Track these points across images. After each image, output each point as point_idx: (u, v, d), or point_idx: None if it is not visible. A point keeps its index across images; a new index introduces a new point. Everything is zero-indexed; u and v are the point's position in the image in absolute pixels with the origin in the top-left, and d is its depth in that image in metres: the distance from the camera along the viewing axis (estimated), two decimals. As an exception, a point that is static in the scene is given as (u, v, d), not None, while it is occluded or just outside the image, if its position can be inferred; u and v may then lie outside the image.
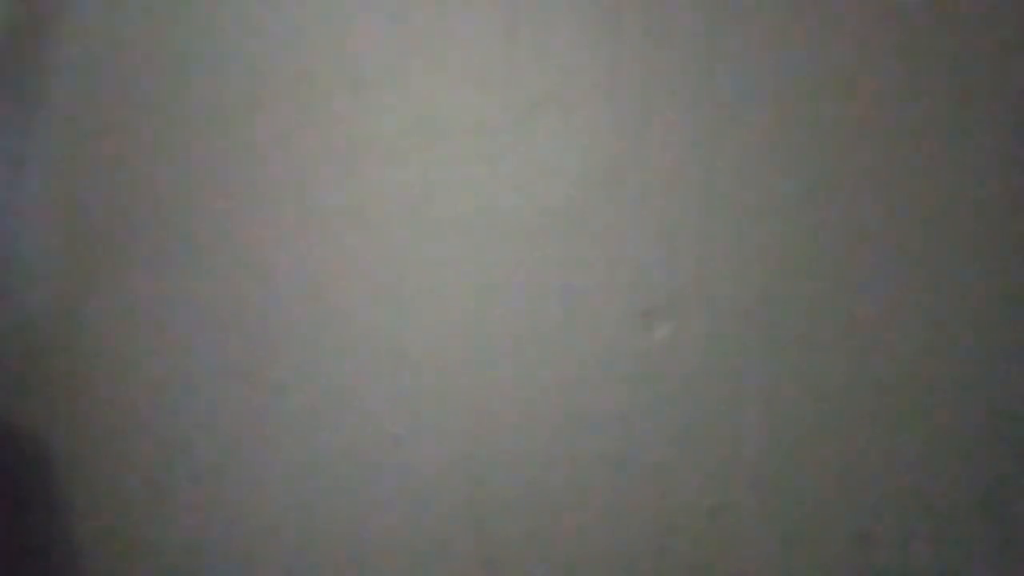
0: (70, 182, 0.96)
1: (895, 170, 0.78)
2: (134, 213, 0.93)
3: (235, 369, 0.87)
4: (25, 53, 1.00)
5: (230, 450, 0.86)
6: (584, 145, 0.83)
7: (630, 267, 0.81)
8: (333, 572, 0.83)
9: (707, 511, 0.76)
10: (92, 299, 0.92)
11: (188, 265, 0.89)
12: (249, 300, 0.87)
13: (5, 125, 1.01)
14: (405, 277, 0.85)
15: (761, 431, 0.76)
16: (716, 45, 0.81)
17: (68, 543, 0.89)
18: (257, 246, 0.88)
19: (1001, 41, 0.76)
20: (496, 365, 0.81)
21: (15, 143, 0.99)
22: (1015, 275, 0.75)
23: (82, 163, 0.97)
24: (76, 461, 0.89)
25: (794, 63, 0.80)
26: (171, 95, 0.93)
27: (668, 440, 0.78)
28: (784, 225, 0.79)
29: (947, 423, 0.74)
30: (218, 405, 0.87)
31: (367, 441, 0.83)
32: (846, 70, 0.78)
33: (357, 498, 0.84)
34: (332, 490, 0.84)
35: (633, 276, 0.81)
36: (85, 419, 0.90)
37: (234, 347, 0.87)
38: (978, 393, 0.74)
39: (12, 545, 0.89)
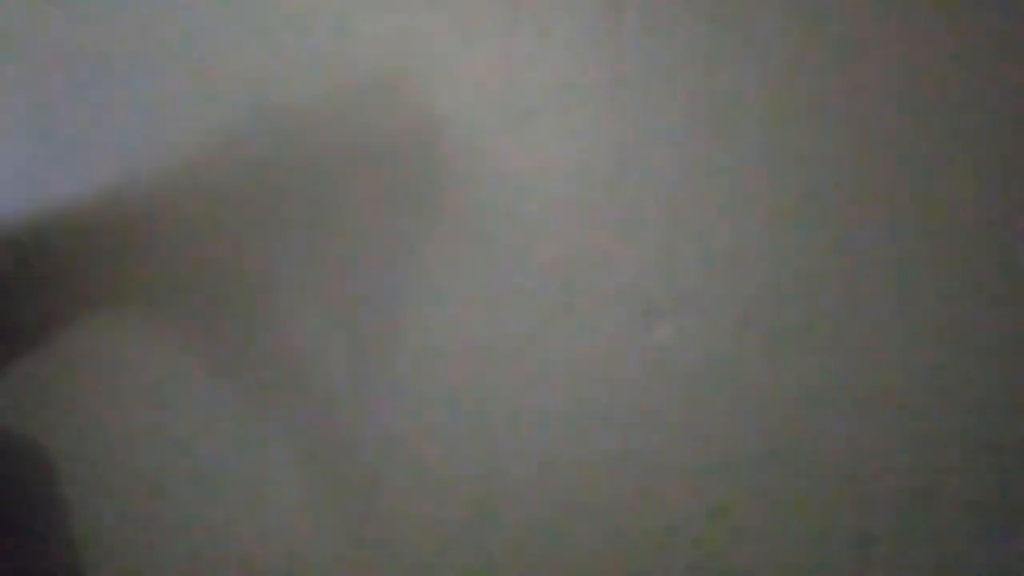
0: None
1: (897, 170, 0.78)
2: (133, 211, 0.92)
3: (235, 369, 0.87)
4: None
5: (230, 450, 0.86)
6: (584, 145, 0.83)
7: (630, 267, 0.81)
8: (333, 571, 0.83)
9: (707, 511, 0.76)
10: (92, 299, 0.92)
11: (187, 264, 0.89)
12: (249, 300, 0.87)
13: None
14: (404, 277, 0.85)
15: (761, 431, 0.76)
16: (716, 45, 0.81)
17: (68, 543, 0.89)
18: (256, 245, 0.88)
19: (1003, 41, 0.76)
20: (495, 364, 0.81)
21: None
22: (1016, 276, 0.75)
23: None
24: (76, 461, 0.89)
25: (794, 63, 0.80)
26: (169, 95, 0.93)
27: (668, 440, 0.78)
28: (785, 225, 0.79)
29: (947, 423, 0.74)
30: (218, 405, 0.87)
31: (368, 441, 0.83)
32: (846, 70, 0.78)
33: (357, 498, 0.84)
34: (332, 490, 0.84)
35: (633, 276, 0.81)
36: (85, 418, 0.90)
37: (234, 347, 0.87)
38: (978, 393, 0.74)
39: (12, 545, 0.89)
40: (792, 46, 0.80)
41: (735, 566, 0.75)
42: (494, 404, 0.81)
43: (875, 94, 0.78)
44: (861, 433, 0.74)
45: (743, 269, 0.79)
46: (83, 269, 0.92)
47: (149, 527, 0.87)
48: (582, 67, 0.83)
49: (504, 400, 0.81)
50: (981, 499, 0.72)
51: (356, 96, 0.90)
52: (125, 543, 0.88)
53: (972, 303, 0.76)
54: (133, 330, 0.91)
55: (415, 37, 0.88)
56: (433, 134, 0.87)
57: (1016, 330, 0.74)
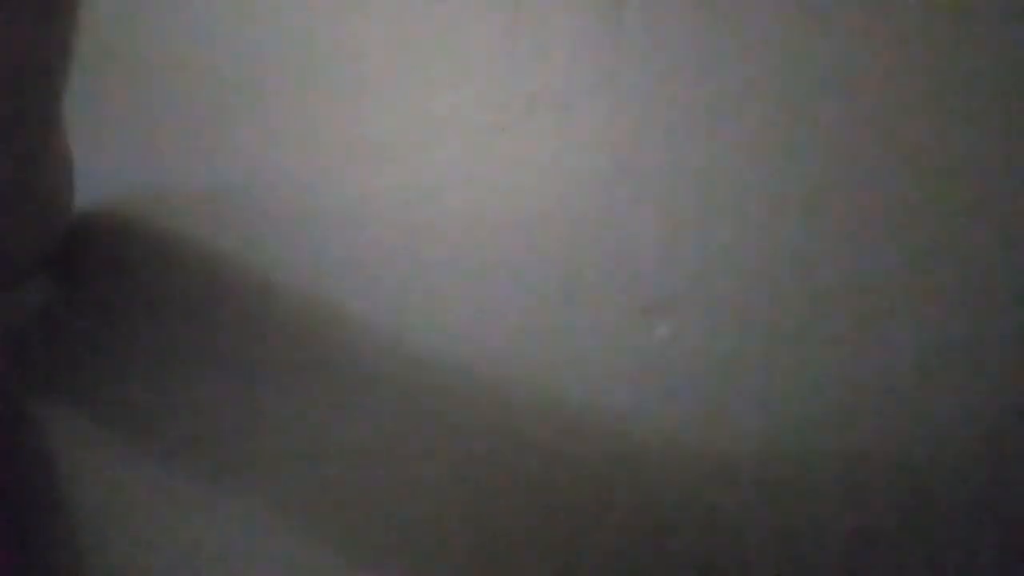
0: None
1: (898, 169, 0.78)
2: (131, 213, 0.93)
3: (235, 367, 0.87)
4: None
5: (230, 449, 0.86)
6: (584, 145, 0.83)
7: (630, 266, 0.81)
8: (333, 571, 0.83)
9: (707, 510, 0.76)
10: (92, 298, 0.92)
11: (185, 263, 0.89)
12: (248, 298, 0.87)
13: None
14: (403, 276, 0.85)
15: (761, 431, 0.76)
16: (715, 45, 0.81)
17: (68, 543, 0.89)
18: (256, 244, 0.88)
19: (1004, 38, 0.76)
20: (494, 364, 0.81)
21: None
22: (1016, 273, 0.75)
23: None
24: (76, 461, 0.90)
25: (794, 63, 0.80)
26: (169, 93, 0.93)
27: (668, 440, 0.78)
28: (785, 224, 0.79)
29: (947, 423, 0.74)
30: (218, 404, 0.87)
31: (366, 440, 0.83)
32: (845, 69, 0.78)
33: (357, 497, 0.84)
34: (332, 489, 0.84)
35: (633, 275, 0.81)
36: (85, 418, 0.90)
37: (234, 345, 0.87)
38: (979, 392, 0.74)
39: (12, 545, 0.89)
40: (790, 45, 0.80)
41: (735, 566, 0.75)
42: (493, 402, 0.81)
43: (875, 92, 0.78)
44: (861, 432, 0.74)
45: (743, 269, 0.79)
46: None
47: (149, 527, 0.87)
48: (581, 67, 0.84)
49: (502, 398, 0.81)
50: (981, 499, 0.72)
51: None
52: (125, 543, 0.88)
53: (974, 302, 0.76)
54: (131, 328, 0.91)
55: (415, 36, 0.88)
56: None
57: (1016, 327, 0.74)
